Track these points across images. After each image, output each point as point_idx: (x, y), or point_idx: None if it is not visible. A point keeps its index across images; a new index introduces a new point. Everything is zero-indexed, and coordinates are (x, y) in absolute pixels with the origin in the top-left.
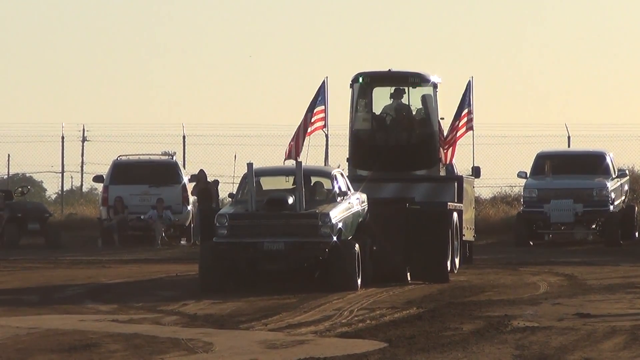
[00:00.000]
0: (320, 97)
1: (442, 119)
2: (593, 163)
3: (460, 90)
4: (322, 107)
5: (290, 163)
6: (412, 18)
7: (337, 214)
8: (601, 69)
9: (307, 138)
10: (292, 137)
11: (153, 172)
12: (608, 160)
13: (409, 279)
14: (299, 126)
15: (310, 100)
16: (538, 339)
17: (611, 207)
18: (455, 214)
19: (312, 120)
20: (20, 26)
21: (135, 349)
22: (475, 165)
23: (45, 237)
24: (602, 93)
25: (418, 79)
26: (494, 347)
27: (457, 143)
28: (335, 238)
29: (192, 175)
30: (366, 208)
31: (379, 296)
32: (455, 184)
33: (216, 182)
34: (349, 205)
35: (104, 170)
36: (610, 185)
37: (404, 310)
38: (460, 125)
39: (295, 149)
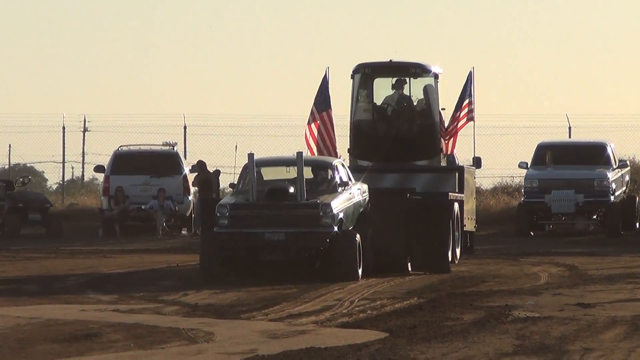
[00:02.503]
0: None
1: (443, 109)
2: (594, 153)
3: (462, 81)
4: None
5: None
6: (414, 9)
7: (338, 204)
8: (602, 60)
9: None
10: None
11: (154, 163)
12: (609, 150)
13: (409, 269)
14: (325, 122)
15: (315, 92)
16: (539, 329)
17: (612, 197)
18: (456, 205)
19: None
20: (22, 17)
21: (136, 338)
22: (476, 155)
23: (46, 227)
24: (603, 84)
25: (419, 70)
26: (494, 337)
27: (458, 134)
28: (336, 228)
29: (192, 166)
30: (367, 198)
31: (379, 286)
32: (456, 174)
33: (217, 173)
34: (350, 196)
35: (105, 160)
36: (611, 175)
37: (404, 300)
38: (461, 116)
39: (330, 147)
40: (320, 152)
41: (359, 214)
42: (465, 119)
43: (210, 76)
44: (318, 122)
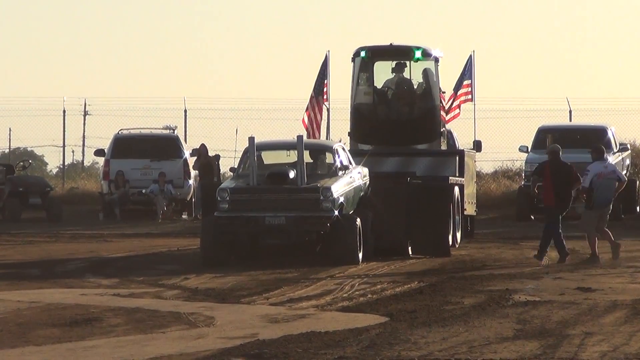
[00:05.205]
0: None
1: (444, 92)
2: (594, 137)
3: (462, 64)
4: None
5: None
6: None
7: (339, 188)
8: (603, 43)
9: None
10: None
11: (154, 146)
12: (609, 134)
13: (410, 253)
14: (313, 106)
15: (316, 76)
16: (539, 313)
17: None
18: (456, 188)
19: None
20: (22, 0)
21: (137, 323)
22: (476, 139)
23: (47, 211)
24: (604, 67)
25: (419, 53)
26: (495, 321)
27: (459, 116)
28: (336, 212)
29: (193, 150)
30: (368, 182)
31: (380, 270)
32: (457, 158)
33: (217, 157)
34: (350, 180)
35: (106, 144)
36: (612, 159)
37: (405, 284)
38: (462, 98)
39: (313, 127)
40: (309, 136)
41: (360, 198)
42: (464, 97)
43: (210, 60)
44: (315, 107)
